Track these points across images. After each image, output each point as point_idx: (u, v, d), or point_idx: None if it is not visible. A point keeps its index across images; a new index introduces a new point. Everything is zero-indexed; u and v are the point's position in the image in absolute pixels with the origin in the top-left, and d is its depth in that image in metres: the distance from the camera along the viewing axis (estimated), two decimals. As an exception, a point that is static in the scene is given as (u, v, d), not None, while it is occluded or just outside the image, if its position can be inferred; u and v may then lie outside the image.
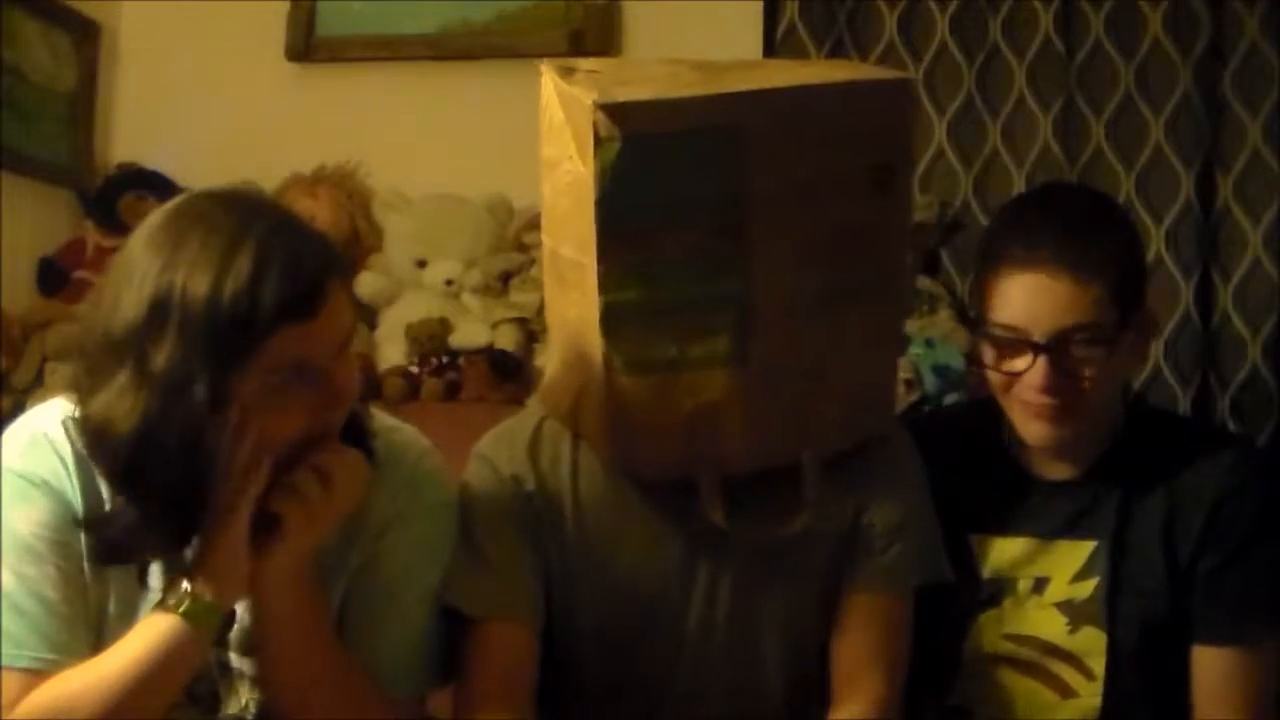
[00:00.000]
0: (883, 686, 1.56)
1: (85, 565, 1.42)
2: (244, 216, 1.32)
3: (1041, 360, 1.58)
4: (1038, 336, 1.58)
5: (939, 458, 1.68)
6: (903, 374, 2.28)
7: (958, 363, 2.44)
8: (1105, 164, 2.57)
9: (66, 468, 1.42)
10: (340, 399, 1.39)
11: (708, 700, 1.61)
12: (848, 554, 1.60)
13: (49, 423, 1.44)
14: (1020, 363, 1.60)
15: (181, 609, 1.36)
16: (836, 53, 2.66)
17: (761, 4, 2.72)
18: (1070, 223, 1.62)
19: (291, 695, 1.46)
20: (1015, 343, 1.60)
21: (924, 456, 1.67)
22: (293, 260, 1.30)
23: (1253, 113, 2.52)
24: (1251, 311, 2.50)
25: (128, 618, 1.42)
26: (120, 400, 1.30)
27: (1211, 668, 1.64)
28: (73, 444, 1.41)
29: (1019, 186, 2.61)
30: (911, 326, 2.47)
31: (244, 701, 1.49)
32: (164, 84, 2.98)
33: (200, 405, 1.28)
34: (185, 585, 1.37)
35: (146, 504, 1.35)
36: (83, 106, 2.94)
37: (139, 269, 1.31)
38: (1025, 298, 1.58)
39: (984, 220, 2.62)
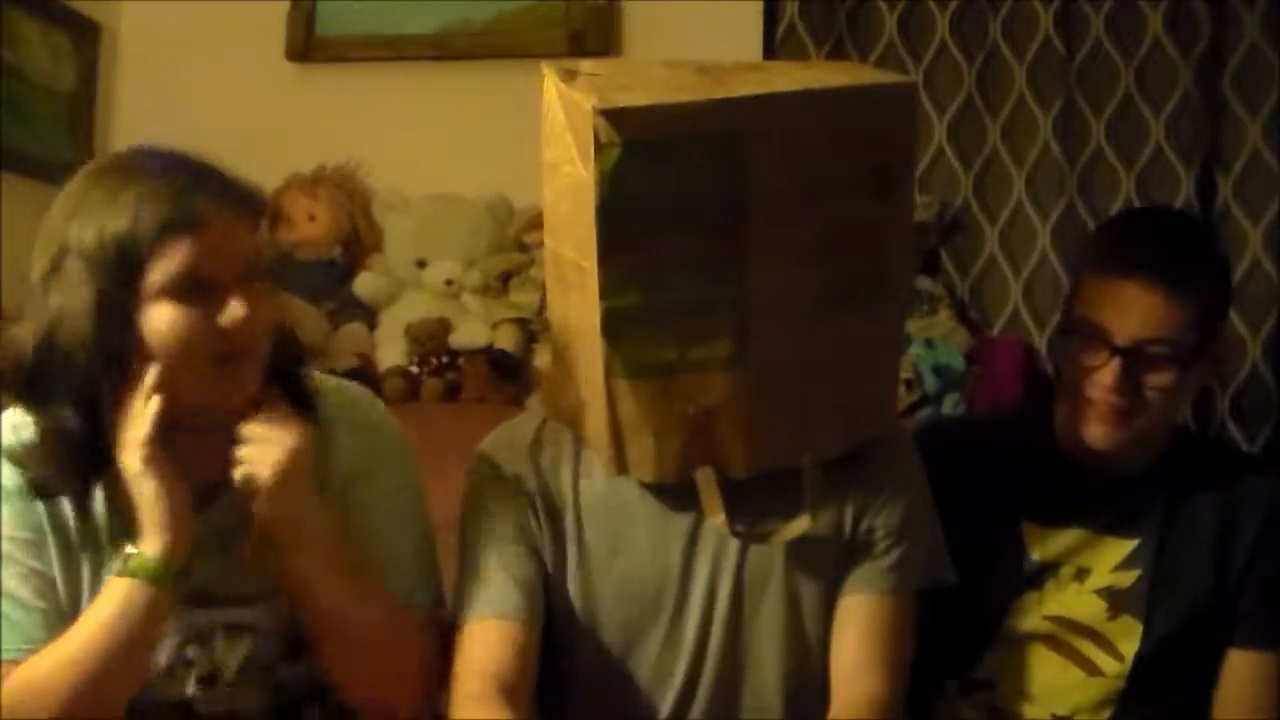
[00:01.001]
0: (883, 688, 1.56)
1: (55, 562, 1.49)
2: (138, 158, 1.46)
3: (1115, 362, 1.64)
4: (1118, 340, 1.64)
5: (994, 452, 1.77)
6: (903, 374, 2.28)
7: (958, 363, 2.45)
8: (1105, 164, 2.58)
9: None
10: (240, 322, 1.42)
11: (707, 701, 1.61)
12: (849, 556, 1.60)
13: (4, 430, 1.51)
14: (1096, 359, 1.66)
15: (131, 567, 1.42)
16: (836, 53, 2.67)
17: (761, 4, 2.72)
18: (1178, 244, 1.72)
19: (331, 619, 1.51)
20: (1096, 341, 1.66)
21: (978, 451, 1.75)
22: (179, 182, 1.41)
23: (1253, 113, 2.53)
24: (1251, 311, 2.50)
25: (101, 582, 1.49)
26: (27, 326, 1.43)
27: (1242, 670, 1.72)
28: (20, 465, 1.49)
29: (1019, 186, 2.62)
30: (911, 326, 2.47)
31: (225, 660, 1.54)
32: (164, 84, 2.98)
33: (91, 315, 1.39)
34: (129, 548, 1.43)
35: (54, 420, 1.43)
36: (83, 106, 2.94)
37: (48, 228, 1.46)
38: (1117, 301, 1.65)
39: (984, 220, 2.64)
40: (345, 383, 1.67)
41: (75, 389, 1.42)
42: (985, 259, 2.64)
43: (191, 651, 1.53)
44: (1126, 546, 1.73)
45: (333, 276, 2.77)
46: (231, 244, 1.43)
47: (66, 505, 1.49)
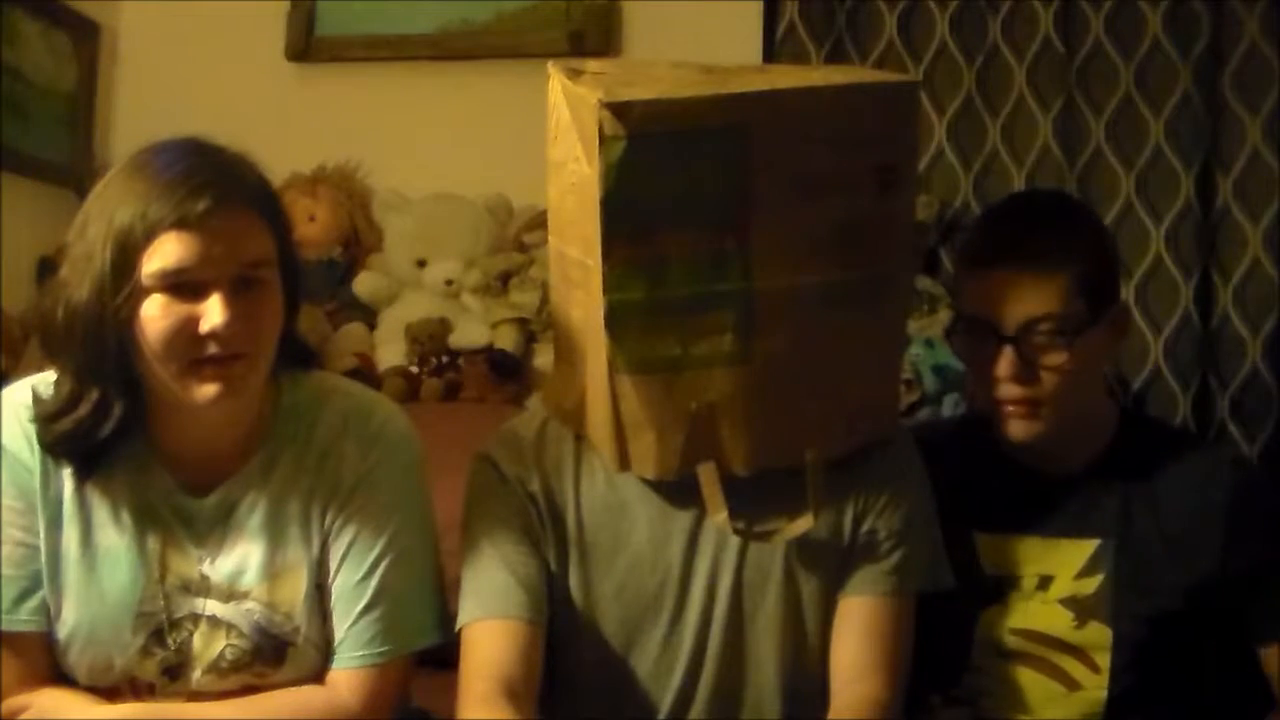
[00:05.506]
0: (882, 689, 1.56)
1: (40, 524, 1.52)
2: (156, 152, 1.48)
3: (1006, 350, 1.64)
4: (1004, 329, 1.64)
5: (941, 460, 1.71)
6: (903, 374, 2.28)
7: (957, 363, 2.44)
8: (1105, 164, 2.58)
9: (29, 440, 1.52)
10: (219, 327, 1.43)
11: (707, 700, 1.61)
12: (849, 557, 1.60)
13: (20, 392, 1.54)
14: (989, 353, 1.66)
15: None
16: (836, 53, 2.67)
17: (761, 4, 2.72)
18: (1031, 219, 1.73)
19: None
20: (985, 335, 1.66)
21: (926, 460, 1.69)
22: (182, 179, 1.43)
23: (1253, 113, 2.52)
24: (1251, 311, 2.50)
25: (88, 559, 1.53)
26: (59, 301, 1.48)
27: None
28: (35, 415, 1.52)
29: (1019, 186, 2.61)
30: (911, 326, 2.47)
31: (200, 653, 1.53)
32: (164, 84, 2.98)
33: (105, 292, 1.42)
34: None
35: (63, 387, 1.49)
36: (83, 106, 2.94)
37: (81, 210, 1.50)
38: (991, 291, 1.65)
39: (984, 221, 2.64)
40: (358, 389, 1.65)
41: (78, 365, 1.47)
42: (985, 259, 2.64)
43: (169, 638, 1.53)
44: (1086, 549, 1.70)
45: (333, 276, 2.77)
46: (226, 245, 1.43)
47: (65, 475, 1.52)
